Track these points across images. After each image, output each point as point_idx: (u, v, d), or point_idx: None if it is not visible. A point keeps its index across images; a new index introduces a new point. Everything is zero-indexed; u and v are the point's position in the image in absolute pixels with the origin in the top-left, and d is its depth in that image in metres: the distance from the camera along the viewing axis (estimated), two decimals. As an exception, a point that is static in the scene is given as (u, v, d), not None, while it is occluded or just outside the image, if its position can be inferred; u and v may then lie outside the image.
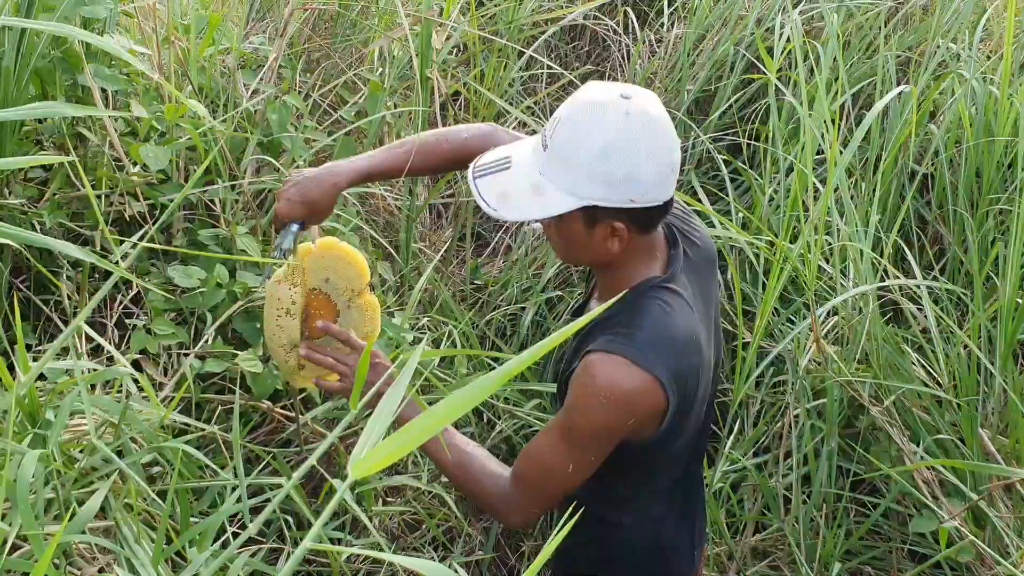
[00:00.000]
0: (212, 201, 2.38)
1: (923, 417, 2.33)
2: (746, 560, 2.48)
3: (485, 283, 3.41)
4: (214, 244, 2.28)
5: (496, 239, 3.70)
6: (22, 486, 1.16)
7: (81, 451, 1.47)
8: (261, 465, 2.04)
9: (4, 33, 1.83)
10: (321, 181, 1.68)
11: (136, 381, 1.53)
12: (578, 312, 1.77)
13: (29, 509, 1.15)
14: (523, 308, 3.20)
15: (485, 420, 2.80)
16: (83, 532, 1.28)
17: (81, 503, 1.39)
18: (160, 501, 1.39)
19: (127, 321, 2.11)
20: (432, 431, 0.76)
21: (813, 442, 2.38)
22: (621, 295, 1.42)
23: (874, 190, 2.83)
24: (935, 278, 2.95)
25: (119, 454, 1.47)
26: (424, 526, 2.59)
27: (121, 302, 2.12)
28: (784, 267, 2.27)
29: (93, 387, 1.61)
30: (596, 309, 1.63)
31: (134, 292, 2.15)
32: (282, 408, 2.10)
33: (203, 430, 1.70)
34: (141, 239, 2.06)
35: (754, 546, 2.47)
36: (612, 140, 1.41)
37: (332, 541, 2.20)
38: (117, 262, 1.39)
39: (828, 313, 2.54)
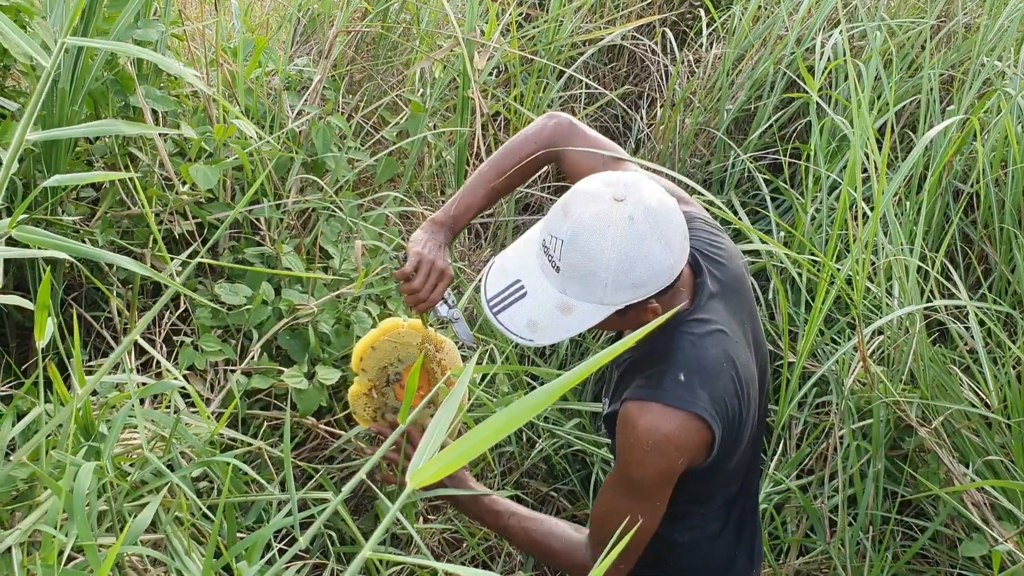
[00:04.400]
0: (257, 220, 2.41)
1: (972, 438, 2.29)
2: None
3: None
4: (259, 262, 2.31)
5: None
6: (78, 498, 1.18)
7: (131, 464, 1.49)
8: (306, 481, 2.05)
9: (62, 55, 1.87)
10: (452, 238, 1.81)
11: (186, 396, 1.55)
12: (615, 340, 1.78)
13: (85, 521, 1.17)
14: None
15: (524, 439, 2.80)
16: (135, 544, 1.30)
17: (132, 515, 1.41)
18: (211, 514, 1.40)
19: (174, 338, 2.14)
20: (486, 444, 0.76)
21: (859, 463, 2.34)
22: (645, 334, 1.44)
23: (919, 209, 2.80)
24: (981, 297, 2.91)
25: (169, 468, 1.49)
26: (465, 544, 2.59)
27: (169, 319, 2.15)
28: (831, 287, 2.25)
29: (142, 401, 1.63)
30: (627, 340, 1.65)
31: (181, 310, 2.18)
32: (326, 425, 2.11)
33: (250, 445, 1.72)
34: (191, 256, 2.10)
35: (798, 569, 2.43)
36: (626, 251, 1.42)
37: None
38: (172, 276, 1.41)
39: (873, 333, 2.52)
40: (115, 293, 2.07)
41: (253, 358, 2.07)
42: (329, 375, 2.07)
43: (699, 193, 2.13)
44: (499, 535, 1.68)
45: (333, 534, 2.00)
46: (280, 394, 2.10)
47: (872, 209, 2.45)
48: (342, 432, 2.09)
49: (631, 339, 1.04)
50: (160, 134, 2.01)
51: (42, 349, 1.99)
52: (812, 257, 2.53)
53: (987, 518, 2.11)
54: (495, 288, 1.54)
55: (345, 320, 2.29)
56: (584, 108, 3.95)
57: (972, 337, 2.55)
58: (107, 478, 1.30)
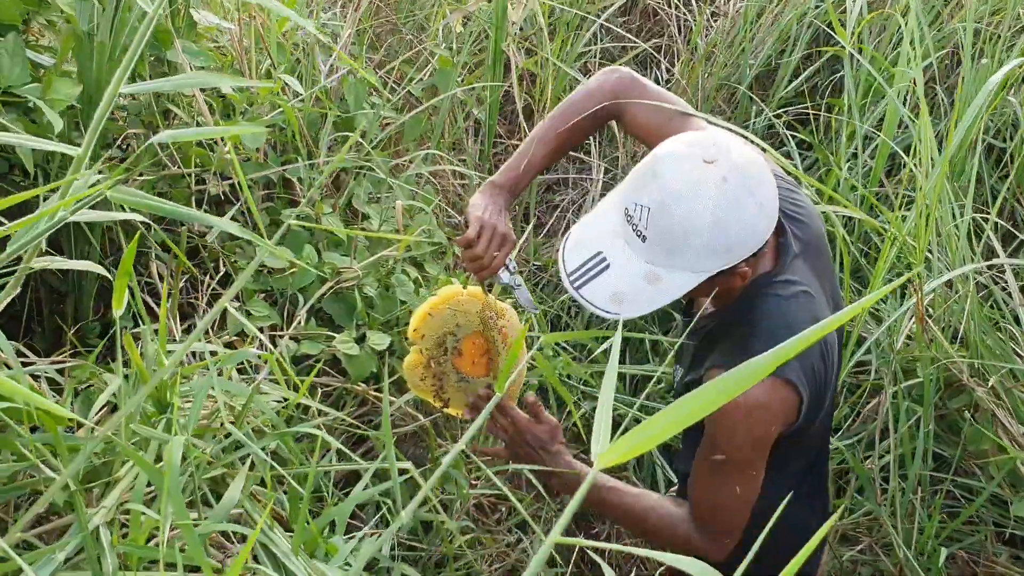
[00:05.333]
0: (287, 180, 2.33)
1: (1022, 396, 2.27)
2: (831, 545, 2.43)
3: (545, 264, 3.36)
4: (235, 226, 2.23)
5: (553, 220, 3.65)
6: (173, 475, 1.12)
7: (203, 437, 1.43)
8: (355, 447, 2.00)
9: (96, 11, 1.78)
10: (512, 201, 1.72)
11: (261, 362, 1.49)
12: (687, 307, 1.71)
13: (181, 498, 1.11)
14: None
15: (555, 404, 2.76)
16: (222, 521, 1.24)
17: (207, 490, 1.35)
18: (298, 486, 1.35)
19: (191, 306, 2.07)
20: (680, 425, 0.71)
21: (908, 424, 2.32)
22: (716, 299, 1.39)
23: (960, 168, 2.76)
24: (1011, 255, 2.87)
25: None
26: (503, 507, 2.56)
27: (208, 285, 2.08)
28: (895, 243, 2.20)
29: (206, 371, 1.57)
30: (707, 308, 1.60)
31: (221, 274, 2.11)
32: (376, 391, 2.06)
33: (327, 414, 1.66)
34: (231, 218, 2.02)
35: (844, 532, 2.42)
36: (719, 215, 1.36)
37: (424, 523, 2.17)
38: (234, 237, 1.33)
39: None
40: (154, 256, 1.99)
41: (300, 323, 2.01)
42: (380, 340, 2.01)
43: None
44: (597, 509, 1.62)
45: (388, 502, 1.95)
46: (326, 360, 2.04)
47: (919, 163, 2.40)
48: (393, 398, 2.04)
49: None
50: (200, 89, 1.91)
51: (93, 318, 1.92)
52: (847, 213, 2.47)
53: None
54: (575, 262, 1.47)
55: (385, 283, 2.23)
56: (600, 69, 3.86)
57: (1010, 296, 2.52)
58: (194, 454, 1.24)
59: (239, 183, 2.17)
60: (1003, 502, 2.36)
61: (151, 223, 1.98)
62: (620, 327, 0.88)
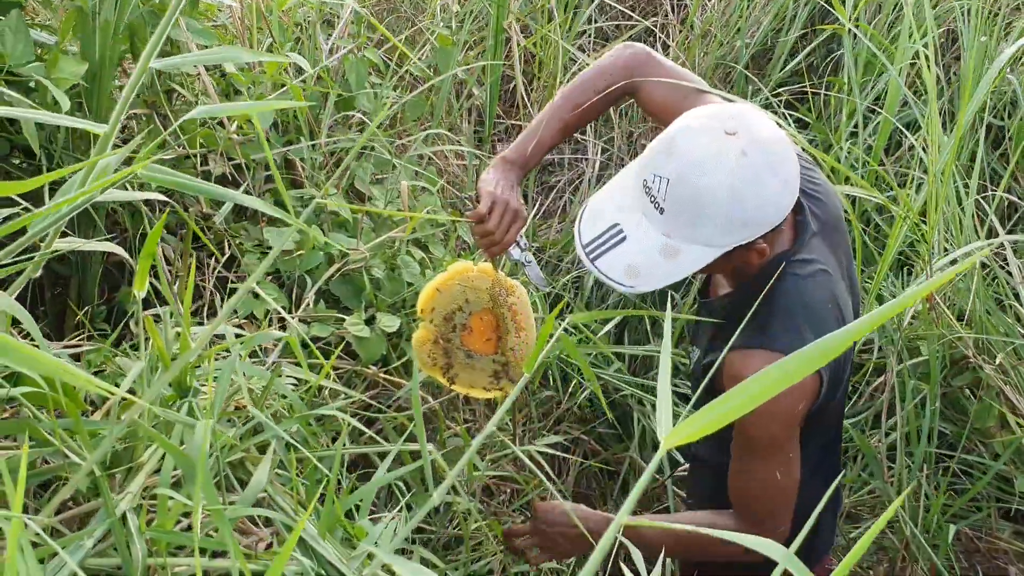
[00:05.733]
0: (287, 160, 2.30)
1: (1027, 374, 2.28)
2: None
3: (543, 246, 3.35)
4: (300, 205, 2.21)
5: (549, 201, 3.63)
6: (201, 459, 1.10)
7: (220, 421, 1.41)
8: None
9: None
10: (523, 176, 1.69)
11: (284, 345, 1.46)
12: (703, 287, 1.70)
13: (211, 483, 1.09)
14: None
15: (559, 383, 2.75)
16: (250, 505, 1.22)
17: (229, 474, 1.34)
18: (325, 470, 1.33)
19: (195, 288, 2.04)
20: (744, 408, 0.69)
21: (913, 402, 2.33)
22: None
23: (960, 148, 2.76)
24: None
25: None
26: (508, 489, 2.55)
27: (214, 268, 2.05)
28: (906, 221, 2.20)
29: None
30: (723, 280, 1.59)
31: (226, 257, 2.08)
32: (386, 374, 2.04)
33: (347, 396, 1.64)
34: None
35: (849, 511, 2.43)
36: (739, 187, 1.34)
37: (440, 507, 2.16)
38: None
39: (922, 271, 2.48)
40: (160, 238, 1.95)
41: (308, 305, 1.98)
42: (390, 322, 1.99)
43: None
44: (643, 550, 1.60)
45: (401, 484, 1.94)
46: (337, 343, 2.01)
47: (924, 141, 2.40)
48: (403, 381, 2.02)
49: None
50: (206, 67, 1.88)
51: (99, 302, 1.89)
52: (861, 194, 2.47)
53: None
54: (591, 233, 1.45)
55: (391, 264, 2.20)
56: (595, 49, 3.84)
57: (1010, 275, 2.53)
58: (222, 438, 1.22)
59: (246, 163, 2.14)
60: (1005, 478, 2.38)
61: (156, 204, 1.95)
62: (669, 309, 0.87)
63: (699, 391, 0.94)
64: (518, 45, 2.53)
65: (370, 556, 1.20)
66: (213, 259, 2.05)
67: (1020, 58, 3.13)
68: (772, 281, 1.48)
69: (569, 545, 1.61)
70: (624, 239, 1.42)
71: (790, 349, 1.39)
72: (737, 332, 1.50)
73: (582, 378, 2.77)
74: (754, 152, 1.35)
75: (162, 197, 1.13)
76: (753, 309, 1.48)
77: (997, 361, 2.20)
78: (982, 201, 2.77)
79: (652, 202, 1.39)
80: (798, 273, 1.49)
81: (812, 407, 1.49)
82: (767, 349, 1.42)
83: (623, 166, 3.51)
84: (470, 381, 1.81)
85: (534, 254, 3.26)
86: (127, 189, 1.31)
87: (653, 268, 1.41)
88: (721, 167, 1.34)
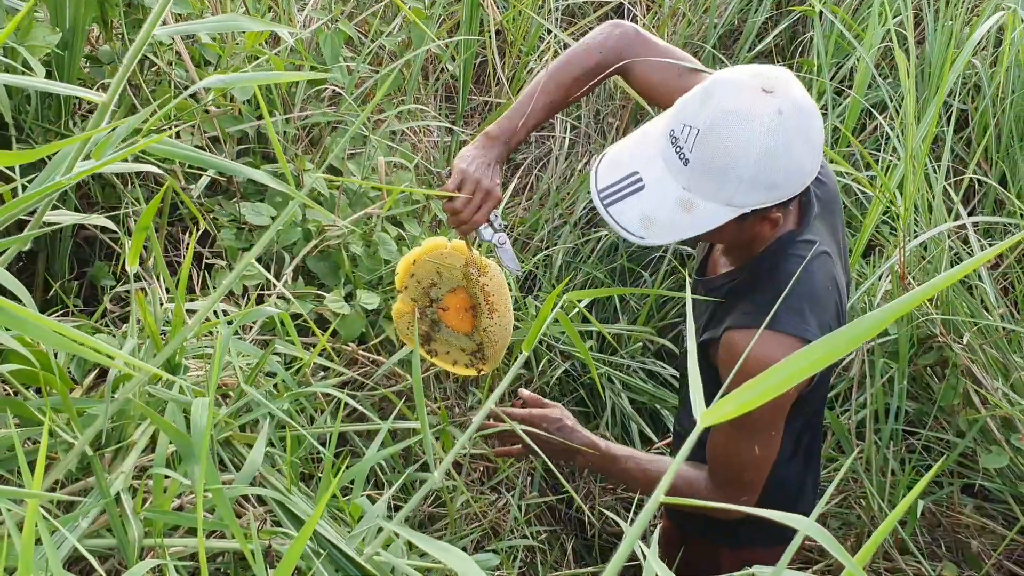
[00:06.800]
0: (260, 134, 2.26)
1: (992, 353, 2.34)
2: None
3: (511, 224, 3.33)
4: (274, 180, 2.17)
5: (516, 179, 3.61)
6: (198, 438, 1.07)
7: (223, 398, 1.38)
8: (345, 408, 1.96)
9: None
10: (505, 156, 1.65)
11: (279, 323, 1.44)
12: (701, 265, 1.69)
13: (211, 462, 1.07)
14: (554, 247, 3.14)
15: (535, 361, 2.75)
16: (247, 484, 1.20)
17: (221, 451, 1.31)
18: (320, 447, 1.31)
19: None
20: (782, 387, 0.69)
21: (882, 380, 2.37)
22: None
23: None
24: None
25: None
26: (480, 467, 2.55)
27: (189, 243, 2.00)
28: (882, 200, 2.23)
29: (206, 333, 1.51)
30: (724, 260, 1.59)
31: (201, 232, 2.03)
32: (365, 351, 2.02)
33: (342, 374, 1.62)
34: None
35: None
36: (770, 146, 1.31)
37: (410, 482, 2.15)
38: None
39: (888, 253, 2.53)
40: (133, 213, 1.91)
41: (287, 282, 1.95)
42: (370, 299, 1.96)
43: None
44: (617, 481, 1.60)
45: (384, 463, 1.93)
46: (315, 320, 1.99)
47: (894, 122, 2.44)
48: (382, 359, 2.01)
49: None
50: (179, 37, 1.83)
51: (70, 277, 1.84)
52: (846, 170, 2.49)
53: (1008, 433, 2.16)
54: (607, 180, 1.43)
55: (367, 241, 2.18)
56: (563, 27, 3.81)
57: (971, 255, 2.59)
58: (219, 417, 1.20)
59: (221, 136, 2.09)
60: (966, 455, 2.44)
61: (128, 177, 1.90)
62: (689, 289, 0.87)
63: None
64: (493, 20, 2.50)
65: (379, 530, 1.19)
66: (188, 234, 2.00)
67: (983, 45, 3.18)
68: (777, 261, 1.48)
69: (549, 451, 1.60)
70: (642, 188, 1.40)
71: (794, 331, 1.41)
72: (737, 311, 1.50)
73: (553, 355, 2.77)
74: (790, 113, 1.32)
75: (158, 170, 1.09)
76: (756, 289, 1.49)
77: (964, 340, 2.24)
78: (948, 187, 2.82)
79: (677, 152, 1.36)
80: (802, 254, 1.48)
81: (804, 390, 1.51)
82: (772, 329, 1.41)
83: (591, 144, 3.53)
84: (450, 356, 1.80)
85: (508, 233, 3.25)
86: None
87: (668, 220, 1.38)
88: (756, 123, 1.31)
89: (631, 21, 3.82)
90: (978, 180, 3.12)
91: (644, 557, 1.02)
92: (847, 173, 2.90)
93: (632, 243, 1.45)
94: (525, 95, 1.70)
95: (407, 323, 1.75)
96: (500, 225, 1.71)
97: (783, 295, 1.43)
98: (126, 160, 1.08)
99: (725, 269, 1.58)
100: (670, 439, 2.39)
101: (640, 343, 2.91)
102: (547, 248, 3.14)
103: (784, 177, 1.34)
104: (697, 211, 1.36)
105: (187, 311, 1.58)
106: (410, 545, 1.30)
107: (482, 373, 1.83)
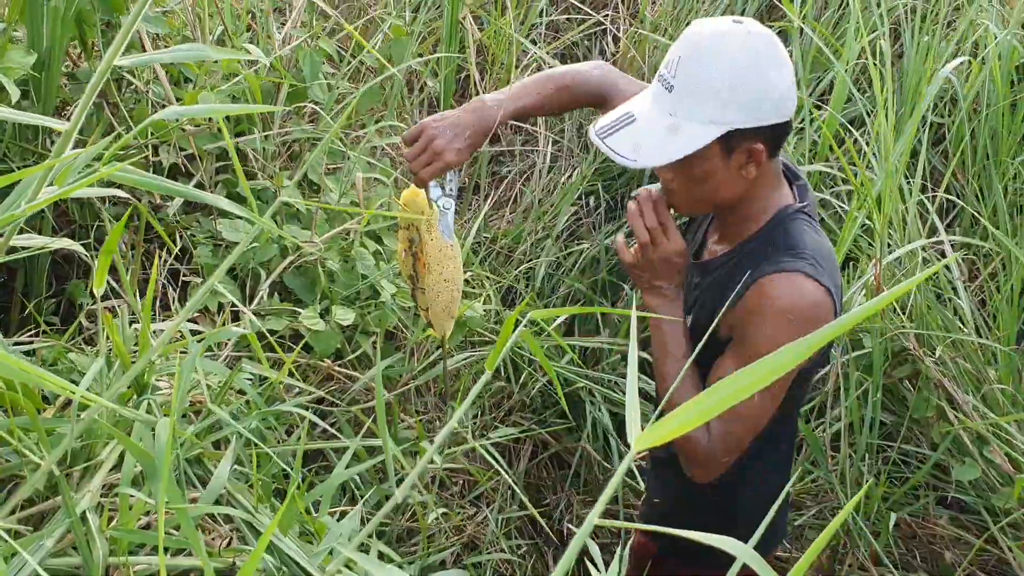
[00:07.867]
0: (240, 151, 2.28)
1: (965, 366, 2.36)
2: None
3: (494, 236, 3.36)
4: (254, 196, 2.19)
5: (500, 193, 3.64)
6: (161, 457, 1.09)
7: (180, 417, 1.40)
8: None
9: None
10: (481, 128, 1.65)
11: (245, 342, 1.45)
12: (695, 255, 1.71)
13: (174, 481, 1.09)
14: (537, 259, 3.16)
15: (512, 374, 2.77)
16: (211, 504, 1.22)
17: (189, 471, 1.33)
18: (285, 465, 1.33)
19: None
20: (713, 410, 0.71)
21: (856, 393, 2.39)
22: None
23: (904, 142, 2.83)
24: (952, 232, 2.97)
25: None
26: (460, 480, 2.57)
27: (166, 260, 2.02)
28: (858, 215, 2.26)
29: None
30: (719, 246, 1.61)
31: (178, 248, 2.05)
32: (341, 367, 2.04)
33: (311, 392, 1.63)
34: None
35: (793, 499, 2.49)
36: (741, 60, 1.42)
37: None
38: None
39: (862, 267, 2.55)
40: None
41: (263, 298, 1.97)
42: (345, 315, 1.98)
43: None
44: (654, 348, 1.59)
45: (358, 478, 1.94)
46: (286, 336, 2.00)
47: (870, 137, 2.46)
48: (358, 375, 2.02)
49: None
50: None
51: (47, 295, 1.85)
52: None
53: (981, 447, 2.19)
54: (605, 121, 1.54)
55: (345, 256, 2.20)
56: (547, 42, 3.84)
57: (948, 270, 2.62)
58: (184, 436, 1.21)
59: (198, 154, 2.11)
60: (940, 466, 2.46)
61: (106, 197, 1.92)
62: (635, 307, 0.89)
63: (698, 349, 0.96)
64: (472, 38, 2.53)
65: (331, 552, 1.21)
66: (165, 250, 2.02)
67: (960, 57, 3.21)
68: (786, 225, 1.53)
69: (642, 284, 1.61)
70: (633, 121, 1.51)
71: (821, 277, 1.44)
72: (760, 266, 1.50)
73: (532, 369, 2.79)
74: (759, 35, 1.44)
75: (124, 195, 1.11)
76: (773, 247, 1.51)
77: (937, 354, 2.27)
78: (925, 200, 2.85)
79: (665, 85, 1.47)
80: (812, 218, 1.56)
81: (805, 363, 1.51)
82: (804, 273, 1.46)
83: (573, 158, 3.56)
84: (424, 305, 1.76)
85: (484, 244, 3.26)
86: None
87: (656, 143, 1.47)
88: (729, 38, 1.43)
89: (612, 36, 3.87)
90: (956, 192, 3.16)
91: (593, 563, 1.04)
92: (825, 186, 2.94)
93: (627, 167, 1.58)
94: (531, 80, 1.75)
95: (401, 260, 1.73)
96: (451, 191, 1.71)
97: (805, 248, 1.48)
98: (92, 186, 1.09)
99: (723, 250, 1.61)
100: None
101: (618, 355, 2.93)
102: (529, 260, 3.16)
103: (757, 93, 1.42)
104: (682, 132, 1.45)
105: (155, 331, 1.60)
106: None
107: (436, 335, 1.79)
